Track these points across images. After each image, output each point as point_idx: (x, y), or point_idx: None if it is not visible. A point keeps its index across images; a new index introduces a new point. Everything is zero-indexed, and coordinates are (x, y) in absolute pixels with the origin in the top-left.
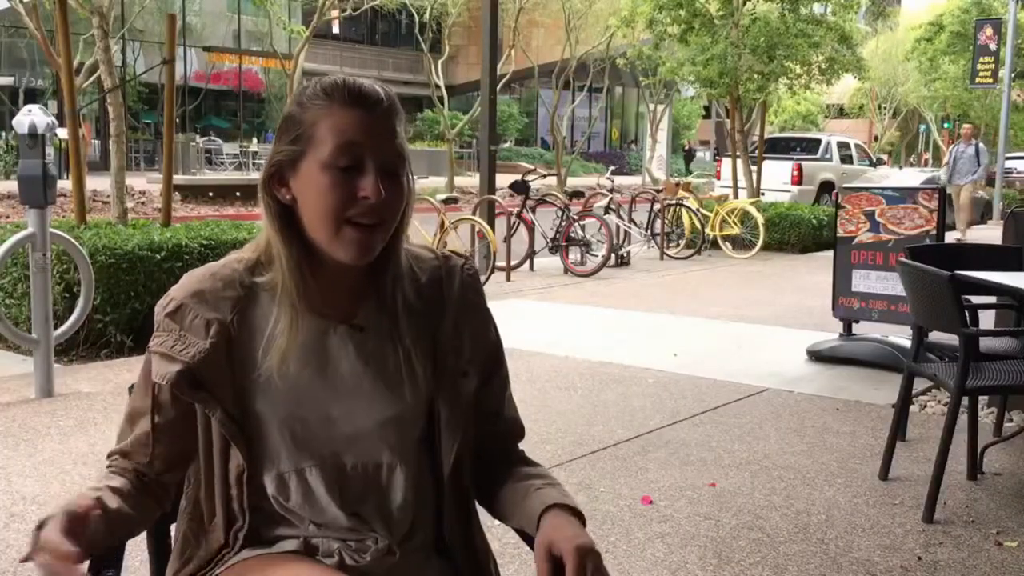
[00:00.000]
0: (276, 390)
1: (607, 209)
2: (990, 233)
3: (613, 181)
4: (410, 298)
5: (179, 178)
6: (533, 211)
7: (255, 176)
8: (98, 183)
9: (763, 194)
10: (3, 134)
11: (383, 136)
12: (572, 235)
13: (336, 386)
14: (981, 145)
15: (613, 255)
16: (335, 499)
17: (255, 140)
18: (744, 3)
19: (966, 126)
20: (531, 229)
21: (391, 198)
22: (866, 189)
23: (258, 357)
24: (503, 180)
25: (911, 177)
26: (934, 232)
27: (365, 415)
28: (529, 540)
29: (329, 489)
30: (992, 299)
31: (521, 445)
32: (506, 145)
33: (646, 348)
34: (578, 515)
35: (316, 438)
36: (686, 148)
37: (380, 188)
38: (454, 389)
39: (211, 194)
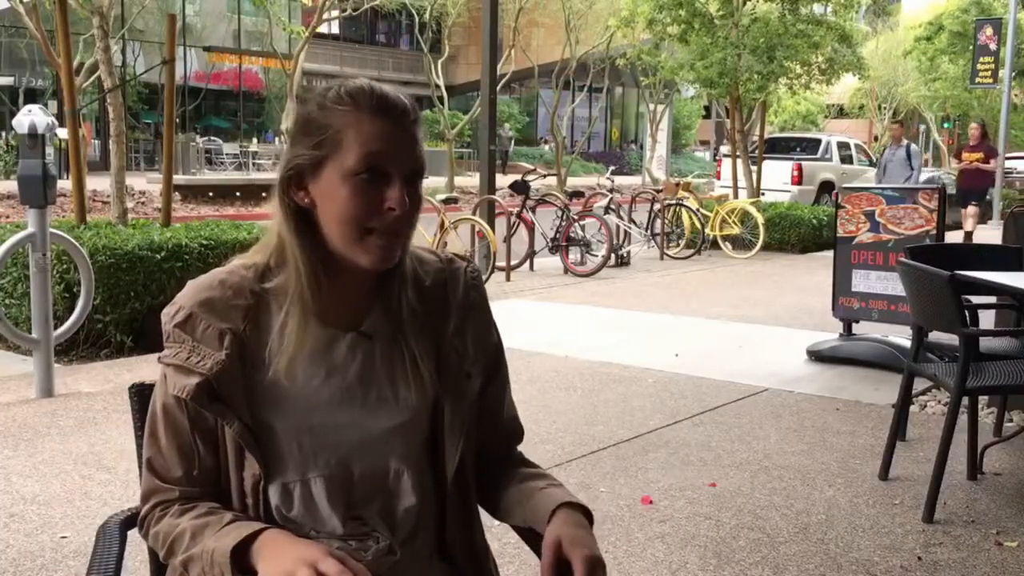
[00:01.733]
0: (285, 400)
1: (607, 209)
2: (990, 233)
3: (613, 181)
4: (415, 302)
5: (179, 178)
6: (533, 211)
7: (255, 176)
8: (98, 183)
9: (763, 194)
10: (3, 134)
11: (407, 146)
12: (572, 235)
13: (344, 395)
14: (913, 147)
15: (613, 255)
16: (337, 510)
17: (255, 140)
18: (744, 3)
19: (894, 125)
20: (531, 229)
21: (413, 207)
22: (866, 189)
23: (268, 366)
24: (503, 180)
25: None
26: (934, 232)
27: (373, 423)
28: (530, 538)
29: (331, 499)
30: (992, 299)
31: (521, 445)
32: (546, 147)
33: (646, 348)
34: (587, 513)
35: (324, 448)
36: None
37: (405, 199)
38: (458, 391)
39: (211, 194)
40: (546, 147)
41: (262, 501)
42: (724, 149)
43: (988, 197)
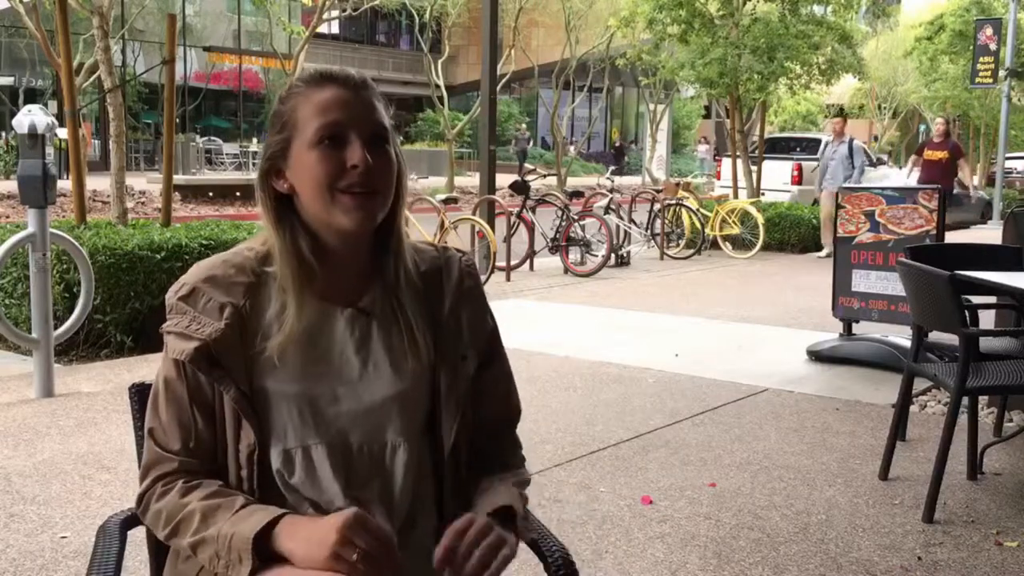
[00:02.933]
0: (283, 373)
1: (607, 209)
2: (990, 233)
3: (613, 181)
4: (411, 284)
5: (179, 178)
6: (533, 211)
7: (255, 176)
8: (98, 183)
9: (763, 194)
10: (3, 134)
11: (361, 108)
12: (572, 235)
13: (343, 368)
14: (857, 142)
15: (613, 255)
16: (339, 479)
17: (255, 140)
18: (744, 3)
19: (835, 120)
20: (531, 229)
21: (380, 165)
22: (866, 189)
23: (266, 341)
24: (503, 180)
25: (911, 177)
26: (934, 232)
27: (370, 394)
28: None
29: (334, 468)
30: (992, 299)
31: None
32: (571, 150)
33: (646, 348)
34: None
35: (323, 417)
36: (616, 145)
37: (367, 156)
38: (454, 371)
39: (211, 194)
40: (572, 150)
41: (256, 472)
42: (702, 148)
43: (978, 197)
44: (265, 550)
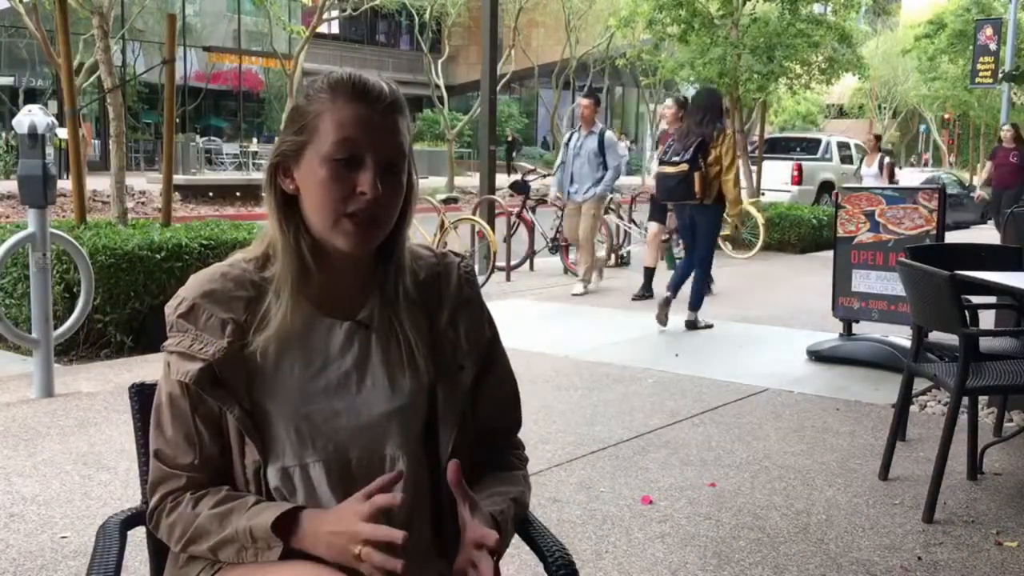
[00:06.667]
0: (283, 387)
1: (607, 209)
2: (990, 233)
3: None
4: (410, 294)
5: (179, 178)
6: (533, 211)
7: (255, 176)
8: (98, 183)
9: (763, 194)
10: (3, 134)
11: (384, 133)
12: None
13: (341, 382)
14: (609, 134)
15: (613, 255)
16: (337, 495)
17: (255, 140)
18: (744, 3)
19: (584, 101)
20: (531, 229)
21: (388, 195)
22: (866, 189)
23: (267, 354)
24: (503, 180)
25: (911, 177)
26: (934, 232)
27: (369, 408)
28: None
29: (332, 484)
30: (992, 299)
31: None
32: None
33: (646, 348)
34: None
35: (321, 433)
36: (508, 139)
37: (378, 185)
38: (452, 381)
39: (211, 194)
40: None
41: (264, 488)
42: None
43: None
44: (284, 541)
